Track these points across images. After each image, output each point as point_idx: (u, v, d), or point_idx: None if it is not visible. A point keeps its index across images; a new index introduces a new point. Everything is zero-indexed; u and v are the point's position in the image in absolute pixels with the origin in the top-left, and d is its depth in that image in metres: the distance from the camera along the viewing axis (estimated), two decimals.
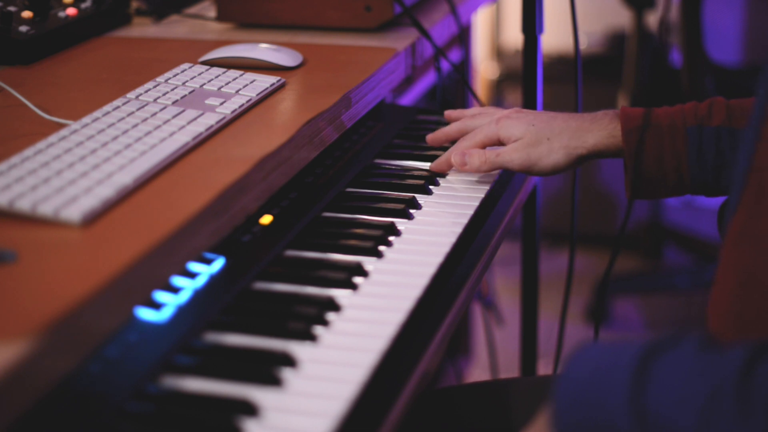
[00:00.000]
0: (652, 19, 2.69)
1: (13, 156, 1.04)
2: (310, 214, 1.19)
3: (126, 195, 1.01)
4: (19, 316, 0.80)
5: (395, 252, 1.13)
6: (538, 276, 1.70)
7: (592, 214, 3.08)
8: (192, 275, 1.01)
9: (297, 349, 0.94)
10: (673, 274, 2.92)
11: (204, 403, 0.87)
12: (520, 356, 1.74)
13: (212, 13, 1.67)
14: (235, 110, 1.23)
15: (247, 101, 1.26)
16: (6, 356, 0.75)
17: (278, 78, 1.35)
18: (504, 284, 2.81)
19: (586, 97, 2.99)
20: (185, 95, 1.26)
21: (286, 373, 0.90)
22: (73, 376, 0.84)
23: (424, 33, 1.55)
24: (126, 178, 1.02)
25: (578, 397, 0.82)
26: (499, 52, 3.26)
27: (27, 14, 1.46)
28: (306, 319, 0.98)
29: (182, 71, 1.35)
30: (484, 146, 1.29)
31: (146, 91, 1.26)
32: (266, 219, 1.14)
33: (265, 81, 1.33)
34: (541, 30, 1.57)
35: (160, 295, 0.97)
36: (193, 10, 1.75)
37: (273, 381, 0.89)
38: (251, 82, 1.32)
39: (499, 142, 1.27)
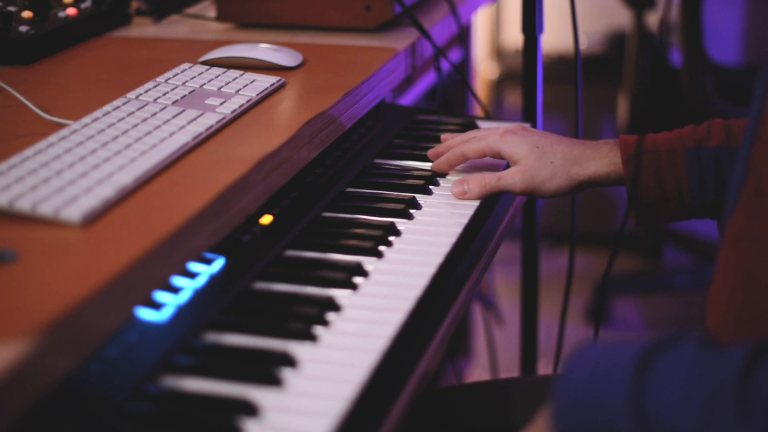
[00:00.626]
0: (652, 19, 2.69)
1: (13, 156, 1.04)
2: (310, 214, 1.19)
3: (126, 195, 1.01)
4: (19, 316, 0.80)
5: (395, 252, 1.13)
6: (538, 276, 1.70)
7: (592, 214, 3.08)
8: (192, 275, 1.01)
9: (297, 349, 0.94)
10: (673, 274, 2.92)
11: (204, 403, 0.87)
12: (520, 356, 1.74)
13: (212, 13, 1.67)
14: (235, 110, 1.23)
15: (247, 101, 1.26)
16: (6, 356, 0.75)
17: (278, 78, 1.35)
18: (504, 284, 2.81)
19: (586, 97, 3.00)
20: (185, 95, 1.26)
21: (286, 373, 0.90)
22: (73, 376, 0.84)
23: (424, 33, 1.55)
24: (126, 178, 1.02)
25: (578, 397, 0.82)
26: (499, 52, 3.26)
27: (27, 14, 1.46)
28: (306, 319, 0.98)
29: (182, 71, 1.35)
30: (484, 155, 1.28)
31: (146, 91, 1.26)
32: (266, 219, 1.14)
33: (265, 81, 1.33)
34: (541, 30, 1.57)
35: (160, 295, 0.97)
36: (193, 10, 1.75)
37: (273, 381, 0.89)
38: (251, 82, 1.32)
39: (499, 156, 1.27)
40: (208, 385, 0.89)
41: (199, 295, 0.99)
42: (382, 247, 1.13)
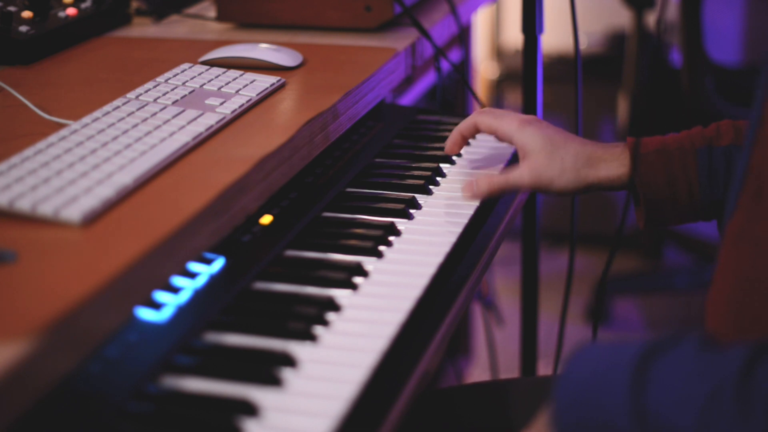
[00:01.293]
0: (652, 19, 2.70)
1: (13, 156, 1.04)
2: (310, 214, 1.19)
3: (126, 195, 1.01)
4: (19, 316, 0.80)
5: (395, 252, 1.13)
6: (538, 276, 1.70)
7: (592, 214, 3.08)
8: (192, 275, 1.01)
9: (297, 349, 0.94)
10: (673, 274, 2.92)
11: (204, 403, 0.87)
12: (520, 356, 1.74)
13: (212, 13, 1.67)
14: (235, 110, 1.23)
15: (247, 101, 1.26)
16: (6, 356, 0.75)
17: (278, 78, 1.35)
18: (504, 284, 2.81)
19: (586, 97, 3.00)
20: (185, 95, 1.26)
21: (286, 373, 0.90)
22: (73, 376, 0.84)
23: (424, 33, 1.55)
24: (126, 178, 1.02)
25: (578, 397, 0.82)
26: (499, 52, 3.26)
27: (27, 14, 1.46)
28: (306, 319, 0.98)
29: (182, 71, 1.35)
30: (494, 134, 1.25)
31: (146, 91, 1.26)
32: (266, 219, 1.14)
33: (265, 81, 1.33)
34: (541, 30, 1.57)
35: (160, 295, 0.97)
36: (193, 10, 1.75)
37: (273, 381, 0.89)
38: (251, 82, 1.32)
39: (510, 142, 1.25)
40: (208, 385, 0.89)
41: (199, 295, 0.99)
42: (382, 247, 1.13)
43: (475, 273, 1.15)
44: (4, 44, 1.43)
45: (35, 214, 0.95)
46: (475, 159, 1.38)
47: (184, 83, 1.30)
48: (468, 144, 1.42)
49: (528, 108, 1.59)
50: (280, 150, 1.15)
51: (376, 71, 1.40)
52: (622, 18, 3.04)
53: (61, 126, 1.17)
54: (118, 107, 1.20)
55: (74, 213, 0.94)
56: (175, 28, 1.66)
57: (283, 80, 1.36)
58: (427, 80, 1.80)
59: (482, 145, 1.42)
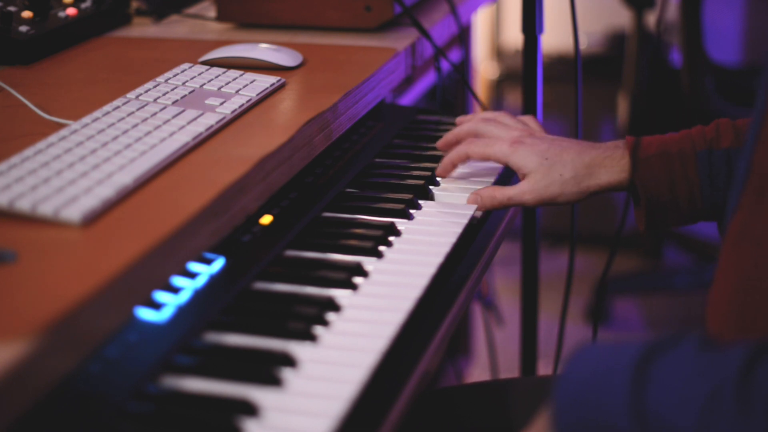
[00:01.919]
0: (652, 19, 2.70)
1: (13, 156, 1.04)
2: (310, 214, 1.19)
3: (126, 195, 1.00)
4: (19, 316, 0.80)
5: (395, 252, 1.13)
6: (538, 276, 1.69)
7: (592, 214, 3.08)
8: (192, 275, 1.01)
9: (297, 349, 0.94)
10: (673, 274, 2.92)
11: (204, 403, 0.87)
12: (520, 356, 1.74)
13: (212, 13, 1.67)
14: (235, 110, 1.23)
15: (247, 101, 1.26)
16: (6, 356, 0.75)
17: (278, 78, 1.35)
18: (504, 284, 2.81)
19: (586, 97, 3.00)
20: (185, 95, 1.26)
21: (286, 373, 0.90)
22: (73, 376, 0.84)
23: (424, 33, 1.55)
24: (126, 178, 1.02)
25: (578, 397, 0.82)
26: (499, 52, 3.26)
27: (27, 14, 1.46)
28: (306, 319, 0.98)
29: (182, 71, 1.35)
30: (488, 160, 1.26)
31: (146, 91, 1.26)
32: (266, 219, 1.14)
33: (265, 81, 1.33)
34: (541, 30, 1.57)
35: (160, 295, 0.97)
36: (193, 10, 1.75)
37: (273, 381, 0.89)
38: (251, 82, 1.32)
39: (506, 165, 1.25)
40: (208, 385, 0.89)
41: (199, 295, 0.99)
42: (382, 247, 1.13)
43: (475, 273, 1.15)
44: (4, 44, 1.43)
45: (35, 214, 0.95)
46: None
47: (184, 83, 1.30)
48: None
49: (528, 108, 1.59)
50: (280, 150, 1.15)
51: (376, 71, 1.40)
52: (622, 18, 3.04)
53: (61, 126, 1.17)
54: (118, 107, 1.20)
55: (74, 213, 0.94)
56: (175, 28, 1.66)
57: (283, 80, 1.35)
58: (427, 80, 1.80)
59: None
